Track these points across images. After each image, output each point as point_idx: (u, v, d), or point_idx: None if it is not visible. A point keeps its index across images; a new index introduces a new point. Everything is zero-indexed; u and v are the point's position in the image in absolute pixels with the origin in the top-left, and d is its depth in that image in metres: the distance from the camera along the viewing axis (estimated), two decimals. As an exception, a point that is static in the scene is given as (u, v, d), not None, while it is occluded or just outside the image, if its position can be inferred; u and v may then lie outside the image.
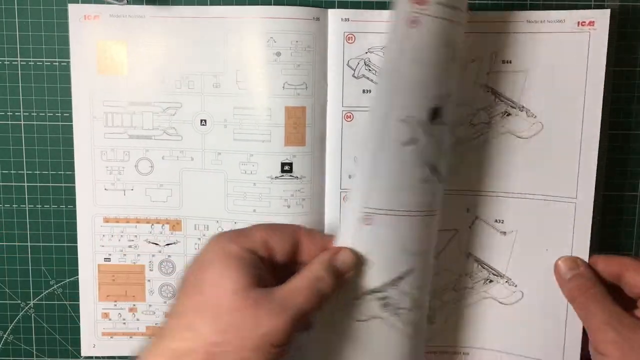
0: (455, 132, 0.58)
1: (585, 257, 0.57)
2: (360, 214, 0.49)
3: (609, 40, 0.56)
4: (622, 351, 0.49)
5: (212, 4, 0.58)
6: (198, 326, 0.43)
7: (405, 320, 0.51)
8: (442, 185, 0.51)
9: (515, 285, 0.59)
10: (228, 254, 0.45)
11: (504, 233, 0.59)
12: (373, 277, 0.50)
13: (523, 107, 0.57)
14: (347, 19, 0.57)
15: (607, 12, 0.55)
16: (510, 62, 0.57)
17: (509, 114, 0.57)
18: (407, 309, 0.51)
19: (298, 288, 0.45)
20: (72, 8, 0.57)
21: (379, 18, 0.57)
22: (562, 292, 0.57)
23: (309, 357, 0.51)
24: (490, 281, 0.60)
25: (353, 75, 0.57)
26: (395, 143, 0.48)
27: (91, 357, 0.62)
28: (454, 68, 0.50)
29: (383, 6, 0.57)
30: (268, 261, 0.47)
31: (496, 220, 0.59)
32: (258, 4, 0.57)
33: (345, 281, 0.48)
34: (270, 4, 0.57)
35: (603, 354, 0.50)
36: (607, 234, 0.61)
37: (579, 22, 0.55)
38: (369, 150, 0.48)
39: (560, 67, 0.56)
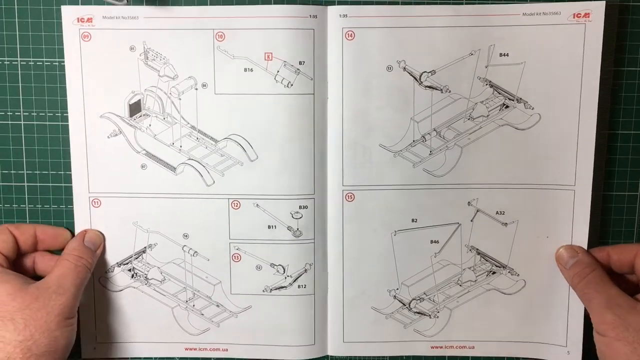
0: (454, 127, 0.58)
1: (585, 243, 0.58)
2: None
3: (609, 39, 0.56)
4: (617, 331, 0.51)
5: (212, 4, 0.58)
6: (3, 334, 0.51)
7: (159, 289, 0.62)
8: None
9: (518, 275, 0.60)
10: None
11: (505, 224, 0.60)
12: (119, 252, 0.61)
13: (521, 99, 0.58)
14: (345, 15, 0.57)
15: (603, 3, 0.56)
16: (508, 55, 0.57)
17: (507, 106, 0.58)
18: (158, 280, 0.61)
19: (65, 270, 0.56)
20: (65, 10, 0.57)
21: (378, 13, 0.57)
22: (565, 279, 0.58)
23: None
24: (493, 273, 0.60)
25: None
26: None
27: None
28: None
29: (382, 2, 0.57)
30: (10, 264, 0.57)
31: (497, 212, 0.60)
32: (258, 4, 0.57)
33: (97, 255, 0.59)
34: (270, 3, 0.57)
35: (602, 334, 0.52)
36: (607, 233, 0.60)
37: (574, 14, 0.56)
38: None
39: (556, 59, 0.57)
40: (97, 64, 0.58)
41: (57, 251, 0.60)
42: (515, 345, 0.61)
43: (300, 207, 0.59)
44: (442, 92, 0.58)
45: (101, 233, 0.60)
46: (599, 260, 0.57)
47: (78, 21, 0.57)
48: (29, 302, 0.52)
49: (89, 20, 0.57)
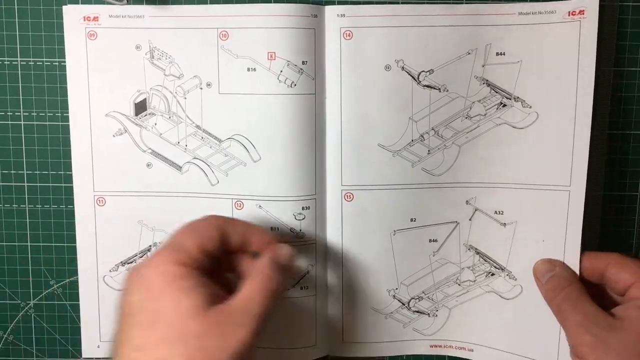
0: (452, 126, 0.58)
1: (578, 246, 0.57)
2: None
3: (609, 39, 0.56)
4: (597, 353, 0.48)
5: (212, 2, 0.58)
6: (170, 358, 0.43)
7: None
8: None
9: (515, 279, 0.60)
10: (173, 278, 0.46)
11: (504, 224, 0.59)
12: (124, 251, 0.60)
13: (518, 97, 0.58)
14: (343, 15, 0.57)
15: (597, 0, 0.56)
16: (504, 54, 0.57)
17: (504, 105, 0.58)
18: None
19: (252, 294, 0.47)
20: (69, 9, 0.58)
21: (376, 13, 0.57)
22: (541, 294, 0.56)
23: None
24: (492, 274, 0.60)
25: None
26: None
27: (92, 359, 0.62)
28: None
29: (381, 1, 0.57)
30: (204, 265, 0.48)
31: (496, 212, 0.59)
32: (256, 2, 0.57)
33: (290, 274, 0.52)
34: (270, 2, 0.57)
35: (580, 357, 0.49)
36: (607, 233, 0.60)
37: (569, 12, 0.56)
38: None
39: (552, 57, 0.57)
40: (103, 63, 0.58)
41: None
42: (514, 358, 0.61)
43: (302, 208, 0.59)
44: (440, 92, 0.58)
45: (293, 250, 0.53)
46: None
47: (84, 20, 0.57)
48: (207, 327, 0.44)
49: (95, 19, 0.57)
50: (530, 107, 0.57)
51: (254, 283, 0.48)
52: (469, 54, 0.57)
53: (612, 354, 0.47)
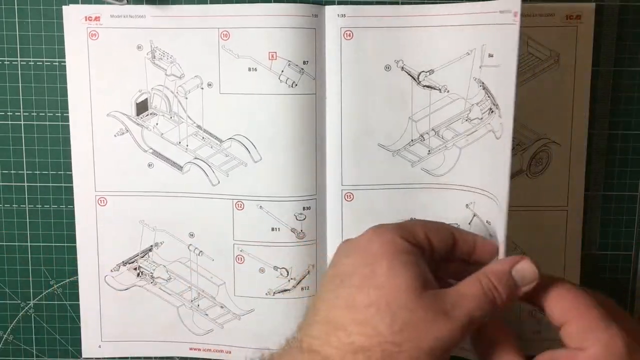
0: (453, 127, 0.58)
1: (577, 264, 0.58)
2: None
3: (608, 39, 0.57)
4: None
5: (212, 2, 0.57)
6: (375, 323, 0.40)
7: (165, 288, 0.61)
8: None
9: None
10: (399, 249, 0.43)
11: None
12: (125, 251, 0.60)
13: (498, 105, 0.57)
14: (343, 15, 0.57)
15: (592, 5, 0.56)
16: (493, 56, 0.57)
17: (492, 111, 0.55)
18: (163, 279, 0.61)
19: (471, 294, 0.42)
20: (69, 9, 0.57)
21: (376, 13, 0.57)
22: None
23: None
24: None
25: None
26: None
27: (92, 359, 0.63)
28: None
29: (381, 1, 0.57)
30: (429, 257, 0.45)
31: (487, 222, 0.56)
32: (257, 2, 0.57)
33: (518, 295, 0.44)
34: (270, 2, 0.57)
35: None
36: (608, 233, 0.60)
37: (567, 16, 0.56)
38: None
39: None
40: (104, 63, 0.58)
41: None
42: None
43: (303, 208, 0.59)
44: (440, 92, 0.58)
45: (536, 269, 0.44)
46: None
47: (86, 20, 0.57)
48: (418, 307, 0.41)
49: (97, 19, 0.57)
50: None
51: (476, 284, 0.43)
52: (468, 54, 0.57)
53: None
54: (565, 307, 0.43)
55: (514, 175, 0.59)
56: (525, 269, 0.44)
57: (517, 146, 0.58)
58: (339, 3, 0.57)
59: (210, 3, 0.57)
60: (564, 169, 0.59)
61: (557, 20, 0.57)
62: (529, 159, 0.59)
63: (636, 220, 0.60)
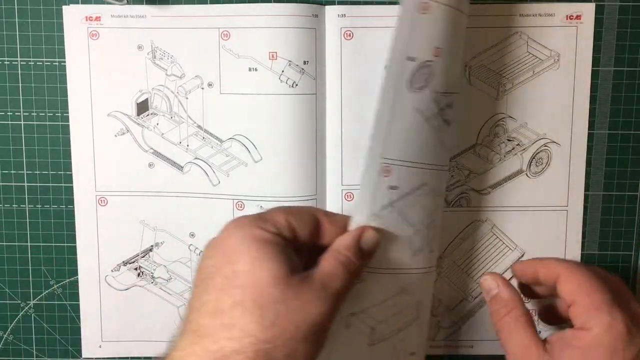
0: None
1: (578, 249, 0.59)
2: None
3: (609, 39, 0.57)
4: None
5: (211, 2, 0.57)
6: (242, 324, 0.40)
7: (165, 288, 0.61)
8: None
9: None
10: (258, 241, 0.42)
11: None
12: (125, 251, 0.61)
13: None
14: (343, 15, 0.57)
15: (592, 5, 0.57)
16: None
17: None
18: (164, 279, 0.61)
19: (333, 272, 0.44)
20: (70, 9, 0.57)
21: (376, 13, 0.57)
22: None
23: None
24: None
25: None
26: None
27: (92, 359, 0.63)
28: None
29: (381, 2, 0.57)
30: (292, 244, 0.45)
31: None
32: (257, 2, 0.57)
33: (370, 260, 0.48)
34: (270, 2, 0.57)
35: None
36: (608, 233, 0.60)
37: (567, 16, 0.57)
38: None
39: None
40: (105, 63, 0.58)
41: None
42: None
43: None
44: None
45: (378, 236, 0.49)
46: (527, 276, 0.52)
47: (86, 20, 0.57)
48: (287, 297, 0.41)
49: (97, 18, 0.57)
50: None
51: (334, 262, 0.45)
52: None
53: None
54: (573, 288, 0.47)
55: (514, 175, 0.59)
56: (369, 237, 0.47)
57: (517, 146, 0.58)
58: (339, 3, 0.57)
59: (210, 3, 0.57)
60: (564, 169, 0.59)
61: (557, 20, 0.57)
62: (529, 159, 0.59)
63: (636, 220, 0.60)
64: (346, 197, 0.59)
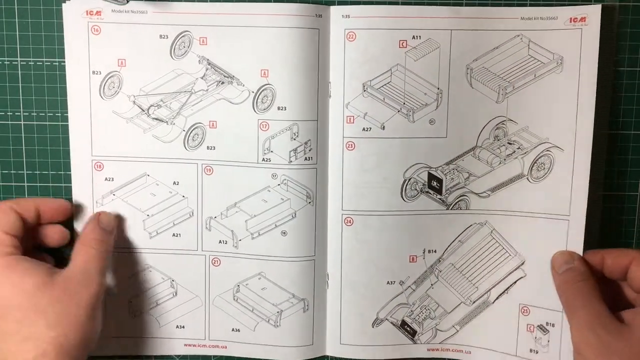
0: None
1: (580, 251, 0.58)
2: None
3: (609, 40, 0.57)
4: (599, 357, 0.48)
5: (212, 0, 0.58)
6: (34, 333, 0.49)
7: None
8: None
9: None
10: (3, 269, 0.51)
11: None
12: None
13: None
14: (347, 16, 0.57)
15: (599, 7, 0.56)
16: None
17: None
18: None
19: (88, 257, 0.54)
20: (69, 6, 0.57)
21: (379, 14, 0.57)
22: (554, 285, 0.56)
23: None
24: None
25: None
26: None
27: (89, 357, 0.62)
28: None
29: (382, 2, 0.57)
30: (18, 246, 0.54)
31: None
32: (258, 1, 0.57)
33: (114, 238, 0.58)
34: (270, 1, 0.57)
35: (580, 353, 0.49)
36: (608, 233, 0.60)
37: (571, 19, 0.56)
38: None
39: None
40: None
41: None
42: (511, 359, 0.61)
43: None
44: None
45: (115, 214, 0.59)
46: (593, 264, 0.55)
47: (87, 14, 0.57)
48: (58, 295, 0.51)
49: (98, 13, 0.57)
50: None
51: (87, 248, 0.55)
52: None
53: (614, 357, 0.47)
54: None
55: (515, 179, 0.59)
56: (105, 219, 0.58)
57: (518, 150, 0.58)
58: (339, 3, 0.57)
59: (210, 1, 0.57)
60: (567, 176, 0.57)
61: (561, 23, 0.56)
62: (530, 163, 0.58)
63: (636, 220, 0.60)
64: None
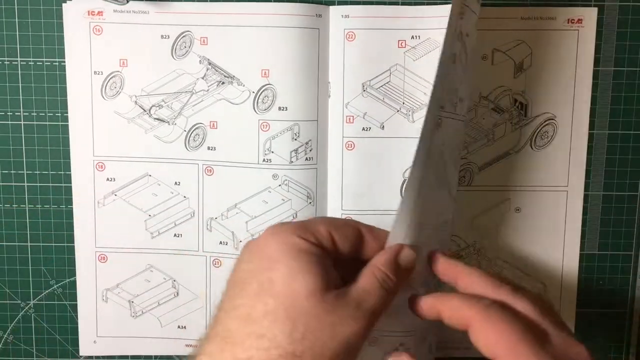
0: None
1: (577, 264, 0.60)
2: None
3: (609, 39, 0.57)
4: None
5: (213, 0, 0.57)
6: (273, 334, 0.39)
7: None
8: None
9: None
10: (297, 250, 0.41)
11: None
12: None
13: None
14: (347, 16, 0.57)
15: (595, 10, 0.57)
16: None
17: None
18: None
19: (370, 289, 0.42)
20: (70, 6, 0.57)
21: (379, 14, 0.57)
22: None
23: None
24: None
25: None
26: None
27: (91, 357, 0.62)
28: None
29: (382, 2, 0.57)
30: (332, 256, 0.43)
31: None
32: (258, 1, 0.57)
33: (406, 279, 0.45)
34: (271, 1, 0.57)
35: None
36: (608, 233, 0.60)
37: (568, 20, 0.57)
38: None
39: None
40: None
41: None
42: None
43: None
44: None
45: (415, 254, 0.46)
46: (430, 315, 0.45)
47: (89, 14, 0.57)
48: (321, 312, 0.40)
49: (100, 13, 0.57)
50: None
51: (371, 279, 0.42)
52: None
53: None
54: (490, 341, 0.42)
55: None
56: (406, 256, 0.44)
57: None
58: (339, 3, 0.57)
59: (210, 1, 0.57)
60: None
61: (559, 23, 0.57)
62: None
63: (636, 220, 0.60)
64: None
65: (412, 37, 0.57)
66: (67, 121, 0.59)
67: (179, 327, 0.62)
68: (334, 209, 0.59)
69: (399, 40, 0.57)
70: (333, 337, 0.39)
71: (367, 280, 0.42)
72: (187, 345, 0.62)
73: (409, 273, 0.45)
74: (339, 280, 0.42)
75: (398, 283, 0.43)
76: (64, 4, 0.57)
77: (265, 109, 0.58)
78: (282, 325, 0.39)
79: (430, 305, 0.45)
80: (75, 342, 0.62)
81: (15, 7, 0.58)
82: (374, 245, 0.45)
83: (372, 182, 0.59)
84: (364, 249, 0.45)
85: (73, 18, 0.57)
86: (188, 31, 0.57)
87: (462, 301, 0.43)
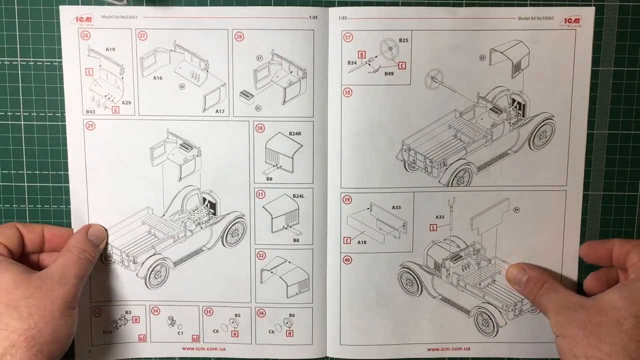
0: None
1: (576, 264, 0.60)
2: None
3: (608, 39, 0.57)
4: (563, 329, 0.52)
5: (212, 4, 0.58)
6: (5, 325, 0.51)
7: None
8: None
9: None
10: None
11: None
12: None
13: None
14: (344, 17, 0.57)
15: (592, 9, 0.57)
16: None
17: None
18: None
19: (67, 261, 0.56)
20: (64, 10, 0.57)
21: (376, 15, 0.57)
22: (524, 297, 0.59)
23: None
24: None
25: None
26: None
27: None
28: None
29: (381, 2, 0.57)
30: (18, 254, 0.58)
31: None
32: (258, 5, 0.57)
33: (100, 249, 0.60)
34: (270, 5, 0.57)
35: (555, 334, 0.54)
36: (607, 233, 0.60)
37: (565, 19, 0.56)
38: None
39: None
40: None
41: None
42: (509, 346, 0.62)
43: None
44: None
45: (104, 228, 0.60)
46: (603, 252, 0.58)
47: (77, 20, 0.57)
48: (33, 291, 0.52)
49: (88, 19, 0.57)
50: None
51: (68, 253, 0.56)
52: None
53: (575, 327, 0.52)
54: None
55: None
56: (95, 232, 0.60)
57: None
58: (339, 4, 0.57)
59: (210, 5, 0.57)
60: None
61: (557, 23, 0.57)
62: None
63: (636, 220, 0.60)
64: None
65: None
66: (66, 121, 0.59)
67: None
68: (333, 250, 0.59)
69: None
70: (53, 301, 0.53)
71: (65, 256, 0.56)
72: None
73: (101, 246, 0.60)
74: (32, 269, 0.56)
75: (94, 252, 0.58)
76: (60, 6, 0.58)
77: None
78: (9, 316, 0.51)
79: (599, 245, 0.58)
80: (70, 347, 0.62)
81: (15, 7, 0.58)
82: (57, 239, 0.59)
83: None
84: (30, 243, 0.59)
85: (66, 23, 0.58)
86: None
87: (622, 239, 0.58)
